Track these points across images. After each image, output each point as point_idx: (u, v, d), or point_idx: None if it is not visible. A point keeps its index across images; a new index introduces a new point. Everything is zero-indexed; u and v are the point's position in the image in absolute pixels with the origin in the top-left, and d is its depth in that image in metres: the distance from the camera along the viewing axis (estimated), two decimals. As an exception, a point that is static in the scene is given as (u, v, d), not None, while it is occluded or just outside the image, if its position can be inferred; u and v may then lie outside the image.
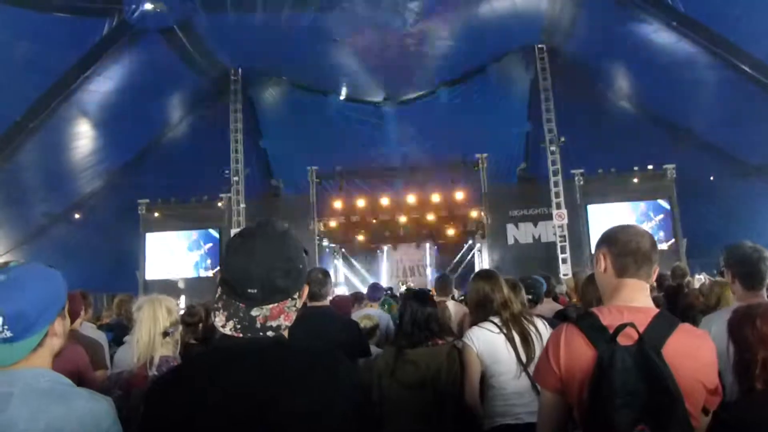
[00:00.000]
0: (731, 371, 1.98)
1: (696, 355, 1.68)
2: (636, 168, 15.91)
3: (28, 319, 1.44)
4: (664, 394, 1.55)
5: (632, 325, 1.63)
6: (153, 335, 2.64)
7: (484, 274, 3.50)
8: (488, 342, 3.16)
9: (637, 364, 1.59)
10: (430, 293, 3.90)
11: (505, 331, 3.18)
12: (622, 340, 1.63)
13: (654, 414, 1.54)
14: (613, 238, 1.90)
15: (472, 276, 3.65)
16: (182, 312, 3.89)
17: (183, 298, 14.35)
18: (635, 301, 1.79)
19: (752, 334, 1.90)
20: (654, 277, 1.87)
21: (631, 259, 1.83)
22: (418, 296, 3.47)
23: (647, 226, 15.34)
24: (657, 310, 1.76)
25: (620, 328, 1.63)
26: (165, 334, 2.67)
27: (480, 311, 3.32)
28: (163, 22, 13.52)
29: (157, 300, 2.77)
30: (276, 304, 1.41)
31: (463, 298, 7.35)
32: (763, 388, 1.84)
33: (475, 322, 3.31)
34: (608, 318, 1.73)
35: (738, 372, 1.94)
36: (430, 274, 21.58)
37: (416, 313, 3.30)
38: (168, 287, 15.46)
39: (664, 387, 1.55)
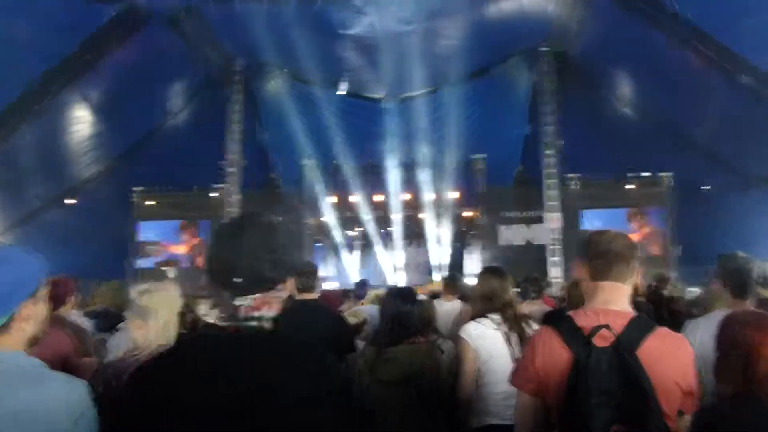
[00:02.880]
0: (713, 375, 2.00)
1: (672, 356, 1.69)
2: (632, 175, 15.91)
3: None
4: (638, 395, 1.56)
5: (607, 326, 1.64)
6: (170, 317, 2.59)
7: (495, 270, 3.48)
8: (485, 338, 3.15)
9: (612, 365, 1.59)
10: (414, 291, 3.88)
11: (504, 329, 3.16)
12: (599, 341, 1.64)
13: (629, 415, 1.55)
14: (585, 244, 1.91)
15: (482, 270, 3.66)
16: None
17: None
18: (612, 303, 1.79)
19: (728, 338, 1.93)
20: (636, 278, 1.85)
21: (602, 261, 1.83)
22: (398, 294, 3.46)
23: (640, 234, 15.48)
24: (634, 313, 1.76)
25: (596, 330, 1.64)
26: (183, 313, 2.62)
27: (484, 305, 3.30)
28: (169, 9, 13.46)
29: (170, 283, 2.75)
30: (260, 294, 1.41)
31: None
32: (732, 392, 1.86)
33: (476, 316, 3.30)
34: (584, 320, 1.74)
35: (714, 375, 1.97)
36: (421, 272, 21.58)
37: (396, 310, 3.28)
38: (159, 276, 15.43)
39: (638, 388, 1.56)
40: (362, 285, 6.27)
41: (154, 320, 2.56)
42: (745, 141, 14.00)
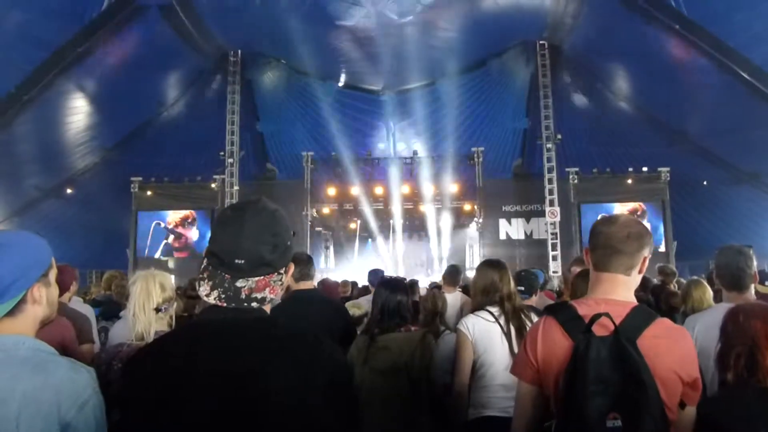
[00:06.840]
0: (715, 366, 2.01)
1: (672, 347, 1.68)
2: (631, 169, 15.96)
3: (2, 282, 1.41)
4: (636, 385, 1.56)
5: (608, 315, 1.63)
6: (147, 311, 2.62)
7: (495, 263, 3.46)
8: (483, 330, 3.15)
9: (611, 354, 1.59)
10: (404, 281, 3.87)
11: (501, 321, 3.17)
12: (599, 330, 1.63)
13: (626, 404, 1.55)
14: (591, 232, 1.91)
15: (481, 263, 3.65)
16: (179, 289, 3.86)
17: (173, 278, 14.31)
18: (613, 294, 1.79)
19: (733, 328, 1.94)
20: (643, 266, 1.83)
21: (601, 253, 1.83)
22: (388, 284, 3.47)
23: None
24: (635, 303, 1.76)
25: (595, 318, 1.63)
26: (157, 310, 2.64)
27: (483, 298, 3.30)
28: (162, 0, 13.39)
29: (151, 275, 2.73)
30: (262, 277, 1.42)
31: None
32: (734, 382, 1.88)
33: (475, 309, 3.30)
34: (585, 309, 1.74)
35: (717, 365, 1.97)
36: (421, 265, 21.56)
37: (387, 301, 3.30)
38: (158, 267, 15.27)
39: (637, 377, 1.56)
40: (376, 274, 6.23)
41: (143, 307, 2.61)
42: (736, 136, 14.00)
